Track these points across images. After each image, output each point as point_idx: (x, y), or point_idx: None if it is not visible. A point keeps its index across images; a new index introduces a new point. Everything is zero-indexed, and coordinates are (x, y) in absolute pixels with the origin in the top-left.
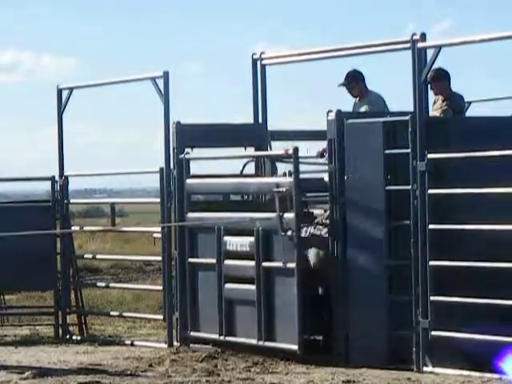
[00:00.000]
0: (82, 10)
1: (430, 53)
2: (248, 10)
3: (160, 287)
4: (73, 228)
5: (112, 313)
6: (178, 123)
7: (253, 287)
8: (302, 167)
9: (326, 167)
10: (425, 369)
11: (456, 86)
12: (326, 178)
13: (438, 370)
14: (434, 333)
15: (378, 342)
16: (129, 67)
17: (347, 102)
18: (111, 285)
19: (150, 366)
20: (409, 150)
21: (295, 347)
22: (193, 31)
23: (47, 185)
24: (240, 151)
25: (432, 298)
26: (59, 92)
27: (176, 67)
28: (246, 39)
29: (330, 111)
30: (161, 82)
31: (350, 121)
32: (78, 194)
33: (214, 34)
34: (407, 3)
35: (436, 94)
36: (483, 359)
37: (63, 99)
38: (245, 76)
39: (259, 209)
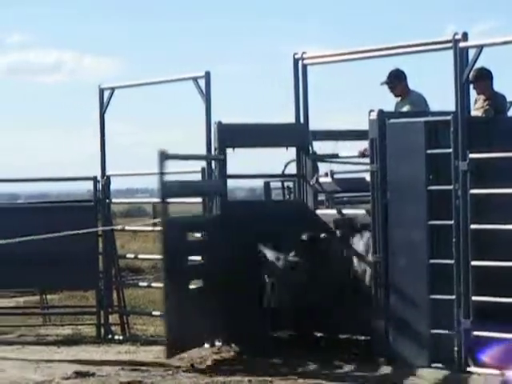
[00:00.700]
0: (123, 11)
1: (471, 53)
2: (287, 11)
3: None
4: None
5: (154, 312)
6: (220, 123)
7: None
8: (343, 167)
9: (368, 167)
10: (467, 369)
11: (498, 85)
12: (368, 178)
13: (479, 370)
14: (475, 333)
15: (420, 342)
16: (167, 67)
17: (389, 102)
18: (153, 284)
19: (192, 365)
20: (451, 150)
21: None
22: (234, 32)
23: (89, 184)
24: (281, 151)
25: (474, 297)
26: (101, 92)
27: (217, 67)
28: (287, 40)
29: (371, 111)
30: (202, 82)
31: (392, 120)
32: (120, 193)
33: (256, 35)
34: (446, 5)
35: (478, 94)
36: None
37: (105, 99)
38: (286, 77)
39: None
